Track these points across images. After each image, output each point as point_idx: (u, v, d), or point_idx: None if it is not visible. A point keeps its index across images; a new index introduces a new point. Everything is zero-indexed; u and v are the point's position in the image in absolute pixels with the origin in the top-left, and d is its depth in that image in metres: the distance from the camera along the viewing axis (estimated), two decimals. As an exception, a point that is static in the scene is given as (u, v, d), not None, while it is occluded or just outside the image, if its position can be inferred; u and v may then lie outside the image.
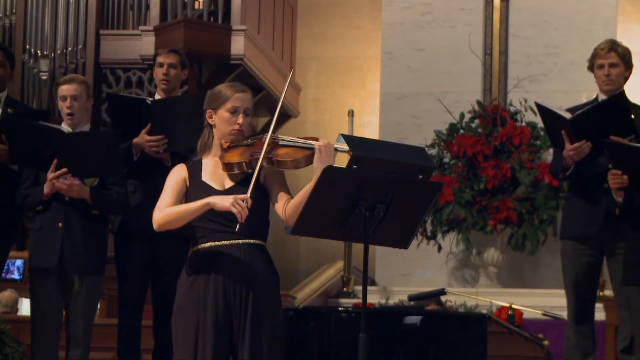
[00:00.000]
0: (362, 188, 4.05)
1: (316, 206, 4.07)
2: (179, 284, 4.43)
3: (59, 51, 11.12)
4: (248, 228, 4.27)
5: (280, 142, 4.33)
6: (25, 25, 11.22)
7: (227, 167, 4.36)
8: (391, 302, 9.57)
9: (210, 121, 4.45)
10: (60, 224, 5.68)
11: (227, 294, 4.32)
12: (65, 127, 5.80)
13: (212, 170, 4.42)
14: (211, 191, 4.35)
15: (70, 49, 11.12)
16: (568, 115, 5.56)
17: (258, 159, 4.27)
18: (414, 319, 6.15)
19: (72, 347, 5.69)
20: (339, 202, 4.07)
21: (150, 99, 6.11)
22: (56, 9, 11.18)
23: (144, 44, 10.71)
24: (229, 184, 4.41)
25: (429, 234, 9.97)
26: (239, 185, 4.36)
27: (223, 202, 4.22)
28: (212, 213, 4.31)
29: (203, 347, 4.30)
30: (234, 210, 4.17)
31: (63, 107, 5.86)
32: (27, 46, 11.18)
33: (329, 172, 4.05)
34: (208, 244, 4.37)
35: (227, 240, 4.35)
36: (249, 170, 4.32)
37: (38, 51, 11.15)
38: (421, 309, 7.08)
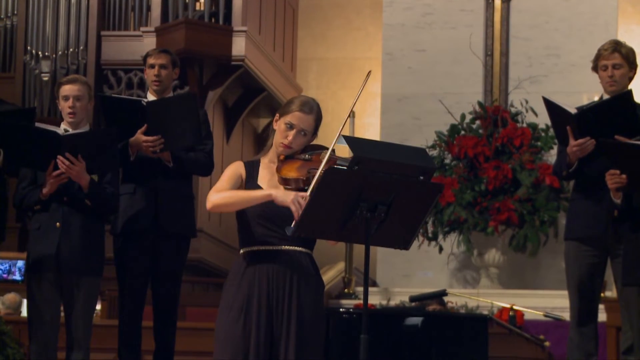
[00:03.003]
0: (363, 189, 4.05)
1: (318, 207, 4.07)
2: (225, 285, 4.45)
3: (60, 52, 11.13)
4: (295, 236, 4.27)
5: (339, 162, 4.32)
6: (26, 27, 11.23)
7: (284, 181, 4.36)
8: (392, 303, 9.57)
9: (274, 125, 4.48)
10: (58, 224, 5.68)
11: (270, 299, 4.34)
12: (63, 126, 5.83)
13: (268, 177, 4.44)
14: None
15: (71, 50, 11.13)
16: (574, 111, 5.54)
17: (314, 176, 4.27)
18: (415, 320, 6.15)
19: (72, 349, 5.69)
20: (340, 203, 4.07)
21: (146, 100, 6.12)
22: (57, 10, 11.19)
23: (145, 45, 10.71)
24: (281, 189, 4.39)
25: (430, 235, 9.97)
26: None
27: (285, 197, 4.24)
28: (261, 217, 4.34)
29: (244, 351, 4.32)
30: (292, 207, 4.19)
31: (65, 106, 5.88)
32: (29, 47, 11.20)
33: (330, 174, 4.05)
34: (255, 248, 4.40)
35: (274, 246, 4.37)
36: (305, 187, 4.32)
37: (39, 52, 11.16)
38: (422, 310, 7.08)
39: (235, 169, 4.48)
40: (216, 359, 4.36)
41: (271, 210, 4.32)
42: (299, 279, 4.36)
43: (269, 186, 4.40)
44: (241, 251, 4.45)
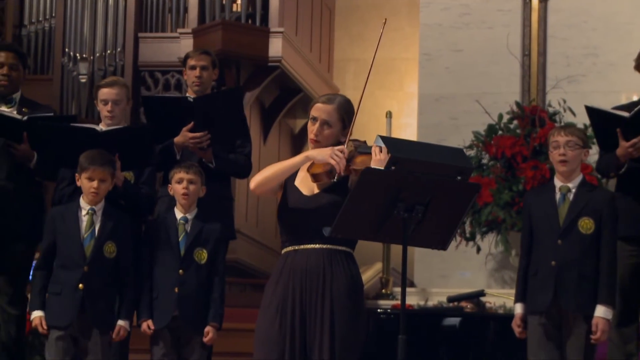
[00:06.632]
0: (400, 189, 4.04)
1: (355, 208, 4.07)
2: (267, 285, 4.47)
3: (98, 54, 11.19)
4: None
5: (359, 150, 4.35)
6: (64, 29, 11.29)
7: (314, 177, 4.40)
8: (430, 303, 9.54)
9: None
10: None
11: (304, 300, 4.35)
12: (101, 127, 5.86)
13: (303, 176, 4.47)
14: (300, 195, 4.41)
15: (109, 52, 11.19)
16: (625, 114, 5.54)
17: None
18: (453, 321, 6.14)
19: None
20: (377, 203, 4.07)
21: (192, 96, 6.14)
22: (95, 12, 11.25)
23: (182, 47, 10.74)
24: (316, 190, 4.45)
25: (467, 235, 9.93)
26: (324, 192, 4.40)
27: (322, 153, 4.29)
28: (298, 216, 4.36)
29: (279, 351, 4.32)
30: (332, 161, 4.24)
31: (103, 110, 5.91)
32: (67, 49, 11.26)
33: (368, 174, 4.05)
34: (291, 248, 4.42)
35: (311, 244, 4.39)
36: (332, 180, 4.35)
37: (77, 54, 11.22)
38: (460, 311, 7.06)
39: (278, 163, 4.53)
40: (255, 359, 4.38)
41: (307, 209, 4.34)
42: (334, 279, 4.35)
43: (304, 185, 4.42)
44: (282, 251, 4.47)
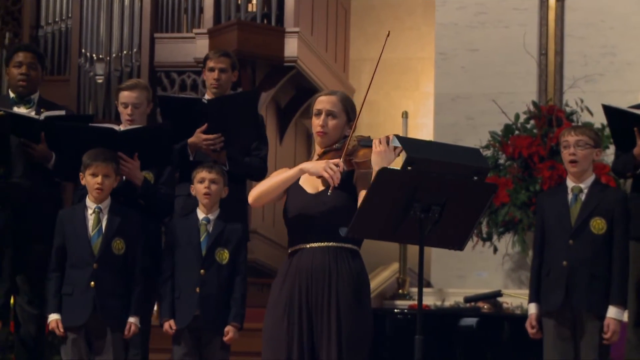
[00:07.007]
0: (416, 190, 4.03)
1: (371, 208, 4.06)
2: (273, 283, 4.48)
3: (114, 55, 11.21)
4: (336, 231, 4.29)
5: (361, 144, 4.36)
6: (81, 30, 11.31)
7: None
8: (447, 304, 9.52)
9: (312, 129, 4.52)
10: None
11: (310, 299, 4.34)
12: (122, 128, 5.87)
13: (308, 175, 4.45)
14: (304, 194, 4.41)
15: (125, 52, 11.20)
16: None
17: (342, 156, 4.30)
18: (470, 321, 6.13)
19: (129, 348, 5.72)
20: (393, 204, 4.06)
21: (207, 97, 6.14)
22: (111, 13, 11.26)
23: (198, 47, 10.76)
24: (320, 187, 4.44)
25: (484, 235, 9.90)
26: (329, 189, 4.38)
27: (316, 166, 4.30)
28: (302, 214, 4.35)
29: (287, 351, 4.32)
30: (325, 174, 4.23)
31: (124, 113, 5.93)
32: (83, 50, 11.29)
33: (384, 174, 4.04)
34: (296, 247, 4.42)
35: (316, 243, 4.38)
36: (328, 192, 4.35)
37: (94, 55, 11.24)
38: (477, 311, 7.04)
39: (280, 170, 4.51)
40: (263, 359, 4.38)
41: (312, 207, 4.33)
42: (339, 279, 4.34)
43: (308, 183, 4.42)
44: (288, 250, 4.47)
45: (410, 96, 13.25)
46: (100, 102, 11.11)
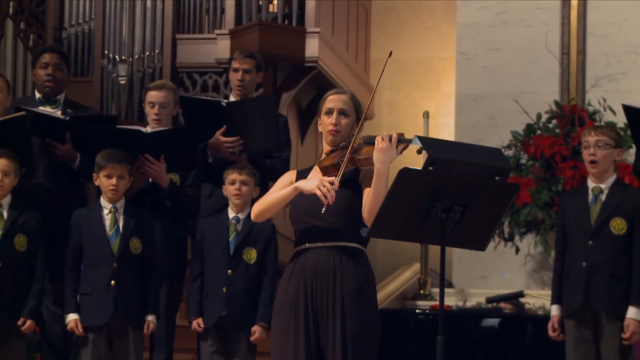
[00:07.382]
0: (438, 190, 4.03)
1: (392, 208, 4.06)
2: (279, 283, 4.48)
3: (136, 56, 11.24)
4: (341, 231, 4.28)
5: (366, 141, 4.36)
6: (103, 31, 11.35)
7: (323, 170, 4.41)
8: (468, 304, 9.50)
9: (319, 128, 4.51)
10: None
11: (315, 298, 4.34)
12: (148, 129, 5.89)
13: (313, 175, 4.46)
14: (307, 194, 4.38)
15: (147, 53, 11.23)
16: None
17: (344, 155, 4.30)
18: (492, 322, 6.12)
19: (154, 349, 5.74)
20: (415, 204, 4.06)
21: (226, 100, 6.16)
22: (133, 14, 11.30)
23: (220, 48, 10.78)
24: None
25: (506, 235, 9.88)
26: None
27: (310, 184, 4.28)
28: (306, 214, 4.35)
29: (293, 348, 4.32)
30: (318, 192, 4.22)
31: (150, 112, 5.95)
32: (106, 51, 11.32)
33: (405, 174, 4.03)
34: (303, 246, 4.42)
35: (320, 242, 4.38)
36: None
37: (116, 56, 11.27)
38: (499, 312, 7.02)
39: (286, 176, 4.53)
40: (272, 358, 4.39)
41: (314, 206, 4.32)
42: (344, 279, 4.34)
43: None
44: (294, 250, 4.47)
45: (432, 96, 13.23)
46: (122, 103, 11.14)
